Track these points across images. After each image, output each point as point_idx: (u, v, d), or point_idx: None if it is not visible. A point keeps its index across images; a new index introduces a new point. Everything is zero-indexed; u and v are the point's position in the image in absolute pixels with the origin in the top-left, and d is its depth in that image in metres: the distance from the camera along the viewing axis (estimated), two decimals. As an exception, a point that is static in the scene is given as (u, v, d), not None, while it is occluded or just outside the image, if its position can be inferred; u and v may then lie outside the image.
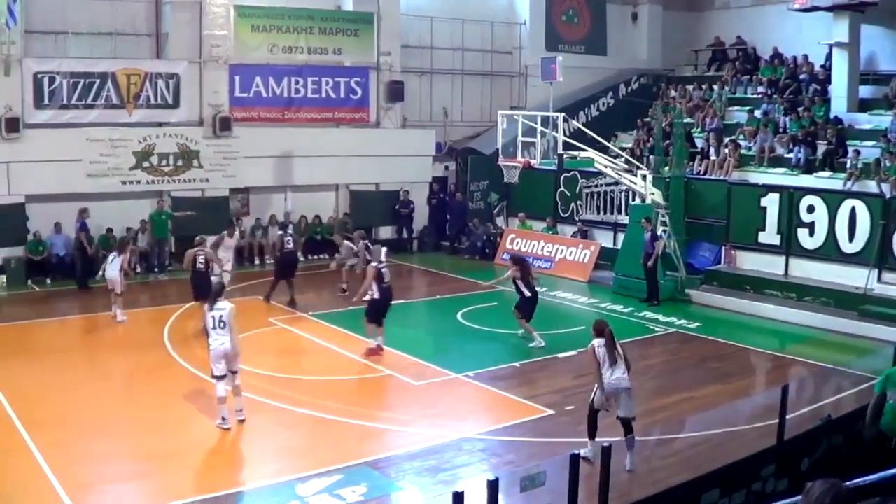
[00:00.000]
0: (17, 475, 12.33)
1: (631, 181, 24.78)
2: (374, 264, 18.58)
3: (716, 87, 33.08)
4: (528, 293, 19.05)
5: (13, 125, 24.91)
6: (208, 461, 13.15)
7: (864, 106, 28.58)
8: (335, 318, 21.02)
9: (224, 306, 14.28)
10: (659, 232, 24.28)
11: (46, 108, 25.72)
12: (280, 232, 24.29)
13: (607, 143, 27.68)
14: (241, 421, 14.38)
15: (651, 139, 29.58)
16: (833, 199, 23.05)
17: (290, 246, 23.22)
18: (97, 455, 13.16)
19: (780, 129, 28.49)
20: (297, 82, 29.99)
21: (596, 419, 12.99)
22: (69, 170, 25.68)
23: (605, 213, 28.88)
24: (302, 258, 28.88)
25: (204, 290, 20.12)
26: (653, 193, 24.54)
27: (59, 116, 25.91)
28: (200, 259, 19.82)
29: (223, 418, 14.08)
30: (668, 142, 27.31)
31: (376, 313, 18.52)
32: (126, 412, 15.09)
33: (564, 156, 24.01)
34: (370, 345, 18.52)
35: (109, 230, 26.20)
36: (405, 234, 31.55)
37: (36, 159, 25.11)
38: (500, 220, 32.39)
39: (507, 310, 20.42)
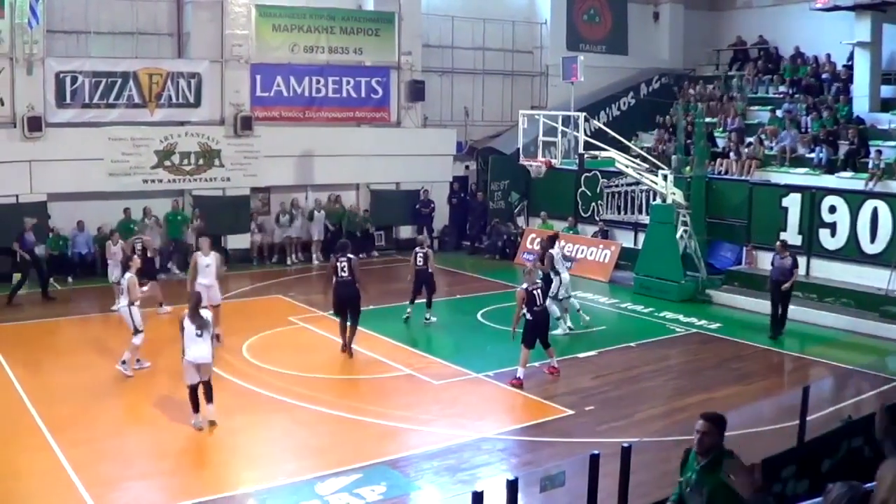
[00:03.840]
0: (39, 473, 12.41)
1: (652, 181, 24.69)
2: (524, 286, 16.94)
3: (735, 78, 33.24)
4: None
5: (35, 124, 25.05)
6: (228, 459, 13.19)
7: (886, 106, 28.40)
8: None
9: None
10: (678, 233, 24.22)
11: (68, 108, 25.88)
12: (336, 255, 18.85)
13: (628, 143, 27.58)
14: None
15: (672, 139, 29.49)
16: (855, 200, 22.95)
17: (346, 274, 18.48)
18: (118, 453, 13.21)
19: (802, 129, 28.37)
20: (318, 82, 30.04)
21: (197, 393, 14.16)
22: (91, 169, 25.84)
23: (625, 213, 28.80)
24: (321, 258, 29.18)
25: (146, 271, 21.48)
26: (674, 193, 24.47)
27: (81, 115, 26.07)
28: (138, 246, 22.17)
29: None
30: (689, 141, 27.23)
31: (531, 337, 16.92)
32: (146, 410, 15.14)
33: (585, 155, 23.98)
34: (516, 374, 16.75)
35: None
36: (425, 234, 31.55)
37: (58, 158, 25.27)
38: (520, 220, 32.37)
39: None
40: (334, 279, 18.44)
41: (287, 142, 29.11)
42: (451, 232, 32.15)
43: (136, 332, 16.89)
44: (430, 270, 21.32)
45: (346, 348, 18.37)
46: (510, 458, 13.45)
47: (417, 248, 21.47)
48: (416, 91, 31.37)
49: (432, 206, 31.51)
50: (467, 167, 33.62)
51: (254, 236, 28.93)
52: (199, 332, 14.01)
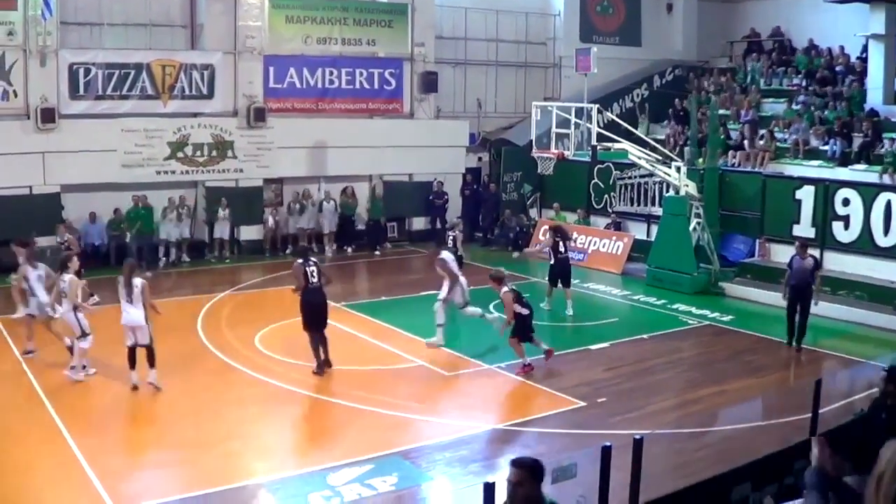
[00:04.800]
0: (52, 463, 12.47)
1: (665, 173, 24.63)
2: (505, 289, 16.98)
3: (749, 64, 33.40)
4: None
5: (49, 116, 25.10)
6: (239, 450, 13.19)
7: (900, 98, 28.27)
8: (368, 307, 21.04)
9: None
10: (691, 225, 24.15)
11: (82, 99, 25.92)
12: (300, 260, 17.09)
13: (643, 136, 27.50)
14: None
15: (686, 130, 29.40)
16: (868, 192, 22.81)
17: (316, 280, 16.85)
18: (130, 443, 13.29)
19: (816, 122, 28.25)
20: (331, 73, 30.04)
21: (134, 354, 15.45)
22: (104, 160, 25.88)
23: (638, 204, 28.73)
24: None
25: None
26: (687, 185, 24.40)
27: (95, 107, 26.09)
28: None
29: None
30: (702, 133, 27.16)
31: (523, 330, 16.96)
32: (158, 400, 15.19)
33: (598, 147, 23.94)
34: (524, 362, 16.81)
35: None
36: (438, 225, 31.50)
37: (71, 149, 25.35)
38: (533, 212, 32.33)
39: (539, 299, 20.60)
40: (306, 285, 16.63)
41: (300, 133, 29.14)
42: (463, 223, 32.07)
43: (84, 335, 16.09)
44: (459, 253, 21.63)
45: (326, 363, 16.66)
46: (522, 449, 13.43)
47: (448, 231, 23.37)
48: (429, 82, 31.36)
49: (446, 197, 31.46)
50: (480, 159, 33.61)
51: (268, 229, 28.92)
52: (128, 298, 15.29)
